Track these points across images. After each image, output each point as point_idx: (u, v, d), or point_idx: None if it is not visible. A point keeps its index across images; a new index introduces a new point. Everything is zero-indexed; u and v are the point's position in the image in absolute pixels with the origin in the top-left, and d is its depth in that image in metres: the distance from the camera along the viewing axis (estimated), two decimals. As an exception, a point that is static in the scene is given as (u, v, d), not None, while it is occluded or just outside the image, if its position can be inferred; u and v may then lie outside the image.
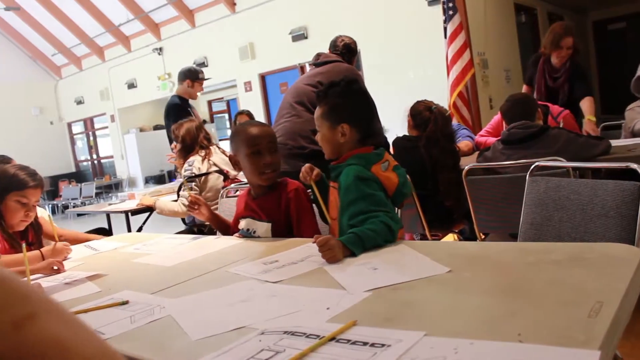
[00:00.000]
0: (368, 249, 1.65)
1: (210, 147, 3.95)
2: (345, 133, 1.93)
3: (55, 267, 2.05)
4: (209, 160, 3.85)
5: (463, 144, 3.90)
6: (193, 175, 3.75)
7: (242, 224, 2.25)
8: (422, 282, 1.31)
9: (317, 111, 2.01)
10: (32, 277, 1.95)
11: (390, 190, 1.88)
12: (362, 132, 1.95)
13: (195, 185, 3.74)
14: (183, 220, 4.45)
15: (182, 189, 3.75)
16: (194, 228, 3.98)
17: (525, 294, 1.12)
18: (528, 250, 1.46)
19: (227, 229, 2.43)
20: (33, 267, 2.02)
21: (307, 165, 2.09)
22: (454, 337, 0.95)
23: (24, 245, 1.93)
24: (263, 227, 2.17)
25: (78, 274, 1.93)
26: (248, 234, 2.22)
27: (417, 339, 0.98)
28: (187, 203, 3.56)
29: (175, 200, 3.80)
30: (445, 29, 6.31)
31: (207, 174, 3.81)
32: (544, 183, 2.10)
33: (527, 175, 2.21)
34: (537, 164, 2.31)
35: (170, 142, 4.95)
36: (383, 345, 0.98)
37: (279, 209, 2.14)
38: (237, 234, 2.29)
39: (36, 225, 2.53)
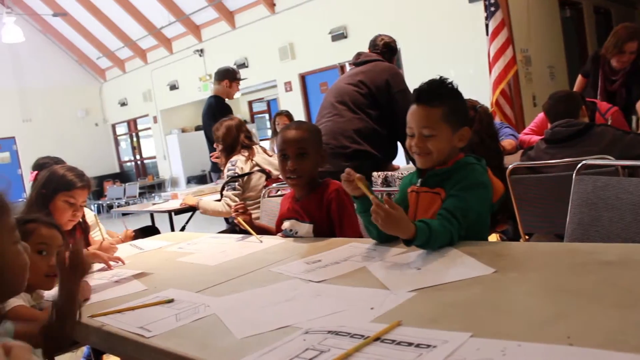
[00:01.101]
0: (424, 246, 1.60)
1: (253, 146, 3.96)
2: (464, 137, 1.79)
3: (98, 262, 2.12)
4: (251, 160, 3.85)
5: (506, 142, 3.84)
6: (236, 175, 3.77)
7: (285, 224, 2.27)
8: (466, 282, 1.29)
9: (431, 113, 1.77)
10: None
11: (496, 197, 1.80)
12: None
13: (238, 185, 3.74)
14: (226, 219, 4.50)
15: (225, 188, 3.77)
16: (236, 227, 4.01)
17: (575, 296, 1.10)
18: (576, 250, 1.43)
19: (269, 234, 2.44)
20: (100, 253, 2.10)
21: (347, 169, 1.88)
22: (501, 339, 0.94)
23: (71, 246, 1.97)
24: (305, 228, 2.18)
25: (125, 272, 1.97)
26: (290, 235, 2.23)
27: (463, 340, 0.96)
28: (230, 203, 3.64)
29: (219, 200, 3.83)
30: (487, 26, 6.21)
31: (249, 173, 3.82)
32: (591, 182, 2.04)
33: (574, 174, 2.15)
34: (584, 162, 2.26)
35: (209, 143, 5.02)
36: (428, 346, 0.97)
37: (321, 209, 2.14)
38: (280, 234, 2.30)
39: (84, 225, 2.59)
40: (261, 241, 2.20)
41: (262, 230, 2.43)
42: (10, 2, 13.20)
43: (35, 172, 3.41)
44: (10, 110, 14.48)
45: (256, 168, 3.84)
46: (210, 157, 4.51)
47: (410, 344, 0.99)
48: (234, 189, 3.74)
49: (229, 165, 3.84)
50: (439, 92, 1.78)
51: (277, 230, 2.37)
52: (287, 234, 2.25)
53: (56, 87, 15.24)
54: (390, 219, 1.52)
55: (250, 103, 15.02)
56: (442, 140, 1.76)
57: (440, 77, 1.83)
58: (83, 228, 2.58)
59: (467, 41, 7.46)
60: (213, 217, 4.03)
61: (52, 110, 15.11)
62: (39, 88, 14.85)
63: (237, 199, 3.69)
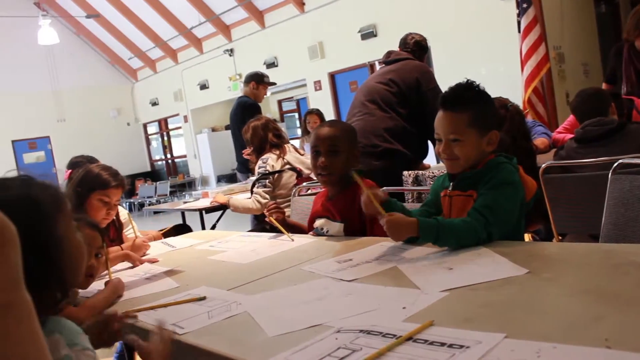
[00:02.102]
0: (438, 241, 1.62)
1: (284, 144, 3.97)
2: (493, 142, 1.77)
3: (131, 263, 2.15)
4: (283, 158, 3.88)
5: (539, 141, 3.79)
6: (267, 172, 3.80)
7: (317, 223, 2.28)
8: (499, 282, 1.28)
9: (456, 117, 1.76)
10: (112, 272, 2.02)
11: (530, 195, 1.77)
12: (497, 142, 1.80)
13: (268, 182, 3.77)
14: (256, 217, 4.53)
15: (255, 185, 3.80)
16: (266, 226, 4.03)
17: (612, 297, 1.08)
18: (613, 251, 1.40)
19: (301, 232, 2.45)
20: (131, 253, 2.14)
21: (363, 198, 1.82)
22: (536, 340, 0.92)
23: (104, 244, 2.01)
24: (335, 227, 2.18)
25: (157, 269, 2.00)
26: (321, 233, 2.24)
27: (497, 341, 0.95)
28: (261, 200, 3.67)
29: (250, 198, 3.86)
30: (518, 22, 6.13)
31: (280, 171, 3.84)
32: (628, 181, 2.00)
33: (610, 174, 2.11)
34: (620, 161, 2.21)
35: (236, 143, 5.06)
36: (462, 346, 0.96)
37: (353, 208, 2.13)
38: (311, 233, 2.31)
39: (117, 223, 2.63)
40: (292, 240, 2.21)
41: (294, 228, 2.44)
42: (45, 5, 13.49)
43: (70, 170, 3.48)
44: (46, 111, 14.78)
45: (287, 166, 3.87)
46: (242, 153, 4.55)
47: (443, 344, 0.98)
48: (265, 186, 3.77)
49: (260, 162, 3.88)
50: (464, 97, 1.77)
51: (309, 228, 2.38)
52: (318, 233, 2.26)
53: (89, 87, 15.51)
54: (393, 225, 1.59)
55: (279, 102, 15.07)
56: (469, 145, 1.76)
57: (467, 80, 1.82)
58: (117, 227, 2.61)
59: (498, 39, 7.37)
60: (243, 215, 4.07)
61: (85, 110, 15.39)
62: (73, 88, 15.13)
63: (267, 196, 3.73)
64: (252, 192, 3.85)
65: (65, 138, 14.74)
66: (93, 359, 1.08)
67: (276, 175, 3.83)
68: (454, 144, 1.77)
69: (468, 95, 1.78)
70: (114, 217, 2.54)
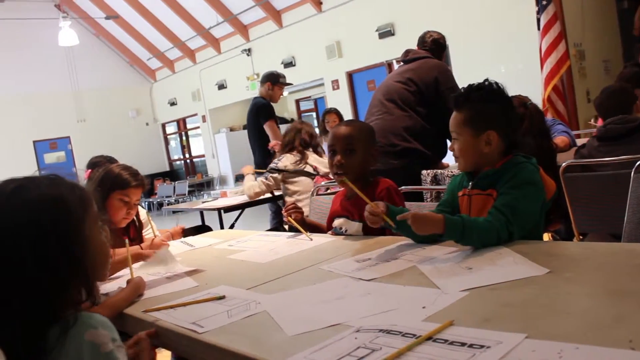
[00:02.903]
0: (462, 240, 1.62)
1: (306, 151, 4.18)
2: (490, 142, 1.78)
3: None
4: (302, 163, 4.11)
5: (559, 139, 3.75)
6: (275, 169, 4.05)
7: (336, 222, 2.28)
8: (519, 282, 1.27)
9: (457, 117, 1.83)
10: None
11: (549, 195, 1.78)
12: (508, 141, 1.81)
13: (271, 176, 4.08)
14: (273, 218, 4.58)
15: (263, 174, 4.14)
16: (284, 226, 4.08)
17: (636, 297, 1.06)
18: (635, 251, 1.38)
19: (320, 231, 2.46)
20: (143, 251, 2.16)
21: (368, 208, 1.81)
22: (558, 341, 0.92)
23: (127, 241, 2.02)
24: (354, 227, 2.18)
25: (178, 269, 2.01)
26: (340, 233, 2.24)
27: (518, 341, 0.95)
28: (254, 188, 4.06)
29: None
30: (538, 20, 6.08)
31: (289, 171, 4.07)
32: (651, 180, 1.98)
33: (632, 172, 2.09)
34: (643, 159, 2.18)
35: (253, 142, 5.10)
36: (482, 346, 0.96)
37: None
38: (330, 232, 2.31)
39: (138, 223, 2.65)
40: (311, 239, 2.21)
41: (313, 227, 2.45)
42: (65, 7, 13.64)
43: (89, 170, 3.51)
44: (66, 111, 14.95)
45: (304, 168, 4.00)
46: (268, 145, 4.80)
47: (463, 344, 0.98)
48: (266, 178, 4.10)
49: (275, 159, 4.15)
50: (468, 96, 1.82)
51: (328, 227, 2.38)
52: (337, 232, 2.26)
53: (108, 88, 15.66)
54: (418, 220, 1.59)
55: (297, 102, 15.09)
56: (464, 144, 1.81)
57: (485, 80, 1.84)
58: (137, 226, 2.63)
59: (517, 36, 7.31)
60: (262, 215, 4.22)
61: (104, 110, 15.53)
62: (92, 89, 15.28)
63: (264, 187, 4.08)
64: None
65: (85, 138, 14.89)
66: (125, 355, 1.10)
67: (283, 174, 4.06)
68: (455, 142, 1.85)
69: (472, 95, 1.82)
70: (134, 217, 2.55)
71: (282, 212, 2.50)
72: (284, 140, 4.23)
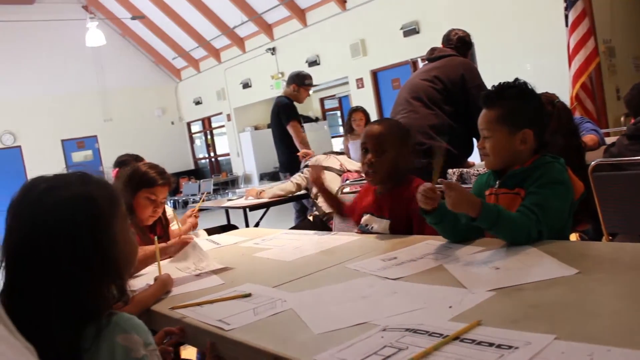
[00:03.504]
0: (494, 228, 1.60)
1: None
2: (526, 140, 1.76)
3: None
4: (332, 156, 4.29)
5: (588, 138, 3.69)
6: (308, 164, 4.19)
7: (363, 219, 2.27)
8: (548, 283, 1.25)
9: (489, 115, 1.81)
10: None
11: (576, 196, 1.76)
12: (539, 142, 1.79)
13: (307, 170, 4.12)
14: (297, 215, 4.59)
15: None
16: (310, 220, 4.12)
17: (669, 299, 1.04)
18: (668, 252, 1.36)
19: (336, 203, 2.52)
20: (167, 245, 2.17)
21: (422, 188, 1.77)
22: (588, 343, 0.90)
23: (155, 238, 2.04)
24: (381, 224, 2.17)
25: (207, 266, 2.02)
26: (366, 230, 2.23)
27: (547, 343, 0.94)
28: (295, 181, 4.15)
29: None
30: (566, 16, 5.99)
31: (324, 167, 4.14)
32: (683, 179, 1.94)
33: (664, 171, 2.04)
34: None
35: (277, 141, 5.12)
36: (510, 347, 0.95)
37: (400, 206, 2.12)
38: (356, 230, 2.30)
39: (164, 221, 2.66)
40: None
41: (332, 198, 2.52)
42: (93, 7, 13.83)
43: (116, 169, 3.56)
44: (93, 111, 15.15)
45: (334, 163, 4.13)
46: (294, 148, 4.87)
47: (491, 344, 0.97)
48: (302, 173, 4.24)
49: (307, 160, 4.35)
50: (500, 94, 1.80)
51: (354, 218, 2.37)
52: (363, 229, 2.25)
53: (135, 87, 15.83)
54: (459, 196, 1.58)
55: (321, 100, 15.09)
56: (498, 142, 1.79)
57: (516, 79, 1.83)
58: (163, 224, 2.64)
59: (544, 33, 7.21)
60: (287, 213, 4.26)
61: (131, 109, 15.71)
62: (119, 88, 15.47)
63: (302, 180, 4.18)
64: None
65: (111, 137, 15.08)
66: (159, 357, 1.11)
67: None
68: (486, 140, 1.81)
69: (505, 92, 1.80)
70: (161, 215, 2.57)
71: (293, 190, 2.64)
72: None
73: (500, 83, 1.83)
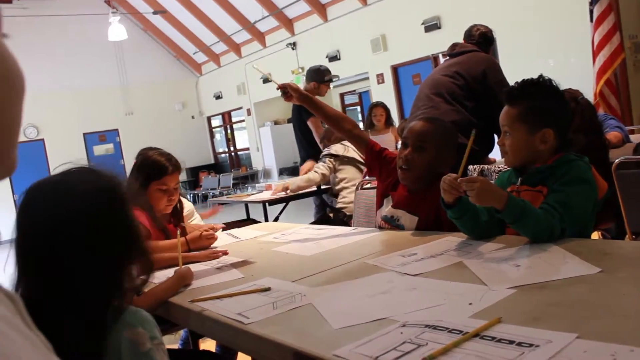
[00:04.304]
0: (518, 222, 1.59)
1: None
2: (546, 140, 1.73)
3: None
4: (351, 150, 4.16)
5: (612, 135, 3.64)
6: (329, 154, 4.12)
7: (389, 210, 2.22)
8: (570, 281, 1.24)
9: (510, 112, 1.79)
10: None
11: (599, 194, 1.74)
12: (561, 141, 1.76)
13: (330, 160, 4.11)
14: (317, 210, 4.59)
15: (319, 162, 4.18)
16: (329, 215, 4.10)
17: (694, 299, 1.03)
18: (693, 251, 1.33)
19: (333, 118, 2.45)
20: (196, 254, 2.16)
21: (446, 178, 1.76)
22: (611, 342, 0.89)
23: (179, 231, 2.05)
24: (409, 219, 2.13)
25: (228, 260, 2.03)
26: (392, 221, 2.19)
27: (569, 341, 0.93)
28: (320, 170, 4.02)
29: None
30: (591, 11, 5.90)
31: (345, 158, 4.11)
32: None
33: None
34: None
35: (298, 136, 5.10)
36: (531, 345, 0.94)
37: (431, 205, 2.06)
38: (380, 220, 2.27)
39: (179, 211, 2.61)
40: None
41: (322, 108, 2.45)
42: (115, 2, 13.94)
43: None
44: (114, 104, 15.28)
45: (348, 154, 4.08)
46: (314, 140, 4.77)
47: (511, 342, 0.97)
48: (325, 162, 4.12)
49: (325, 150, 4.23)
50: (523, 91, 1.77)
51: (378, 206, 2.35)
52: (387, 220, 2.22)
53: (155, 81, 15.93)
54: (485, 188, 1.57)
55: (342, 95, 15.05)
56: (517, 140, 1.77)
57: (540, 76, 1.80)
58: (175, 221, 2.53)
59: (568, 28, 7.12)
60: (306, 208, 4.23)
61: (151, 103, 15.82)
62: (140, 83, 15.58)
63: (326, 170, 4.08)
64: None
65: (132, 131, 15.20)
66: (164, 352, 1.12)
67: (339, 162, 4.10)
68: (506, 137, 1.80)
69: (527, 89, 1.77)
70: (177, 206, 2.53)
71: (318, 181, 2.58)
72: (322, 133, 4.35)
73: (523, 80, 1.80)
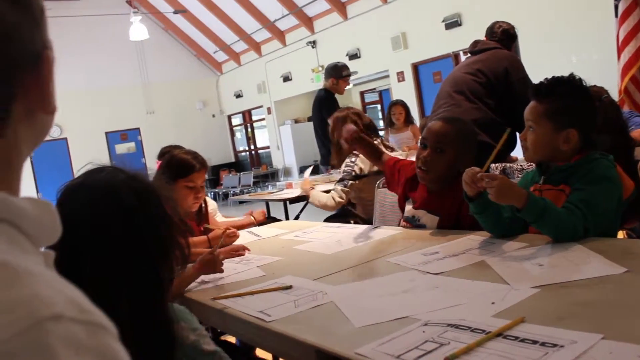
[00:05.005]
0: (539, 221, 1.57)
1: (375, 141, 3.68)
2: (570, 140, 1.71)
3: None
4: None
5: (637, 132, 3.59)
6: (353, 175, 3.47)
7: (410, 210, 2.22)
8: (595, 281, 1.22)
9: (537, 108, 1.76)
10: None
11: (626, 194, 1.72)
12: (585, 142, 1.74)
13: (350, 183, 3.44)
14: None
15: (337, 183, 3.53)
16: (349, 220, 4.04)
17: None
18: None
19: (375, 153, 2.49)
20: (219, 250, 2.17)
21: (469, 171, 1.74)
22: (637, 344, 0.88)
23: (224, 229, 2.07)
24: (430, 219, 2.12)
25: (249, 258, 2.04)
26: (413, 221, 2.19)
27: (594, 342, 0.92)
28: (337, 198, 3.40)
29: (328, 192, 3.56)
30: (616, 7, 5.81)
31: (366, 176, 3.49)
32: None
33: None
34: None
35: (318, 134, 5.10)
36: (555, 345, 0.93)
37: (450, 203, 2.06)
38: (402, 220, 2.27)
39: (204, 212, 2.64)
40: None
41: (371, 147, 2.48)
42: (136, 2, 14.07)
43: (160, 161, 3.60)
44: (136, 103, 15.43)
45: (375, 168, 3.58)
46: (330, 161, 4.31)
47: (535, 342, 0.96)
48: (345, 186, 3.45)
49: (347, 160, 3.53)
50: (552, 88, 1.75)
51: (400, 206, 2.34)
52: (408, 220, 2.21)
53: (176, 80, 16.05)
54: (504, 185, 1.56)
55: (362, 94, 15.03)
56: (540, 136, 1.75)
57: (571, 74, 1.77)
58: (198, 220, 2.55)
59: (591, 24, 7.03)
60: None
61: (172, 102, 15.94)
62: (161, 82, 15.70)
63: (344, 196, 3.44)
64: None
65: (153, 129, 15.34)
66: (207, 336, 1.12)
67: (363, 179, 3.48)
68: (529, 132, 1.78)
69: (557, 88, 1.74)
70: (202, 205, 2.56)
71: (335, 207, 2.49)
72: (335, 140, 3.62)
73: (554, 77, 1.77)
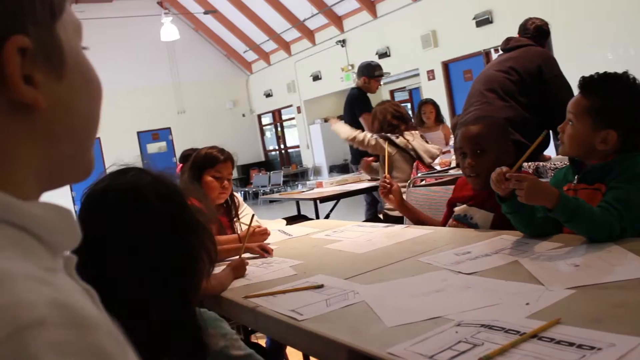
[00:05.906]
0: (571, 221, 1.54)
1: (403, 126, 3.96)
2: (607, 141, 1.66)
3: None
4: (405, 138, 3.89)
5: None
6: (386, 136, 3.87)
7: (460, 209, 2.18)
8: (634, 282, 1.20)
9: (581, 102, 1.72)
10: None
11: None
12: (624, 144, 1.68)
13: (380, 140, 3.85)
14: (368, 208, 4.55)
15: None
16: (379, 216, 4.04)
17: None
18: None
19: (417, 219, 2.41)
20: (248, 245, 2.16)
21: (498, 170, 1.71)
22: (678, 347, 0.86)
23: (251, 219, 2.09)
24: (483, 216, 2.07)
25: (282, 259, 2.05)
26: (464, 220, 2.15)
27: (634, 345, 0.90)
28: (371, 140, 3.81)
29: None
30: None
31: (396, 145, 3.86)
32: None
33: None
34: None
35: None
36: (592, 347, 0.92)
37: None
38: (452, 220, 2.23)
39: (233, 208, 2.65)
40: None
41: (411, 214, 2.43)
42: (167, 3, 14.24)
43: (181, 164, 3.64)
44: (167, 103, 15.62)
45: (411, 152, 3.84)
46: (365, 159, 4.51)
47: (571, 344, 0.94)
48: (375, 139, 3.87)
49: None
50: (599, 84, 1.70)
51: (448, 213, 2.31)
52: (459, 219, 2.18)
53: (207, 80, 16.20)
54: (534, 186, 1.52)
55: (392, 92, 14.96)
56: (578, 131, 1.71)
57: (624, 72, 1.73)
58: (228, 214, 2.59)
59: (627, 20, 6.88)
60: (357, 206, 4.12)
61: (203, 102, 16.09)
62: (192, 82, 15.87)
63: (374, 142, 3.84)
64: None
65: (184, 129, 15.51)
66: (238, 340, 1.12)
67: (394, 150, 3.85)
68: (568, 125, 1.74)
69: (605, 85, 1.70)
70: (229, 201, 2.57)
71: (379, 190, 2.47)
72: (376, 128, 4.01)
73: (606, 72, 1.73)
